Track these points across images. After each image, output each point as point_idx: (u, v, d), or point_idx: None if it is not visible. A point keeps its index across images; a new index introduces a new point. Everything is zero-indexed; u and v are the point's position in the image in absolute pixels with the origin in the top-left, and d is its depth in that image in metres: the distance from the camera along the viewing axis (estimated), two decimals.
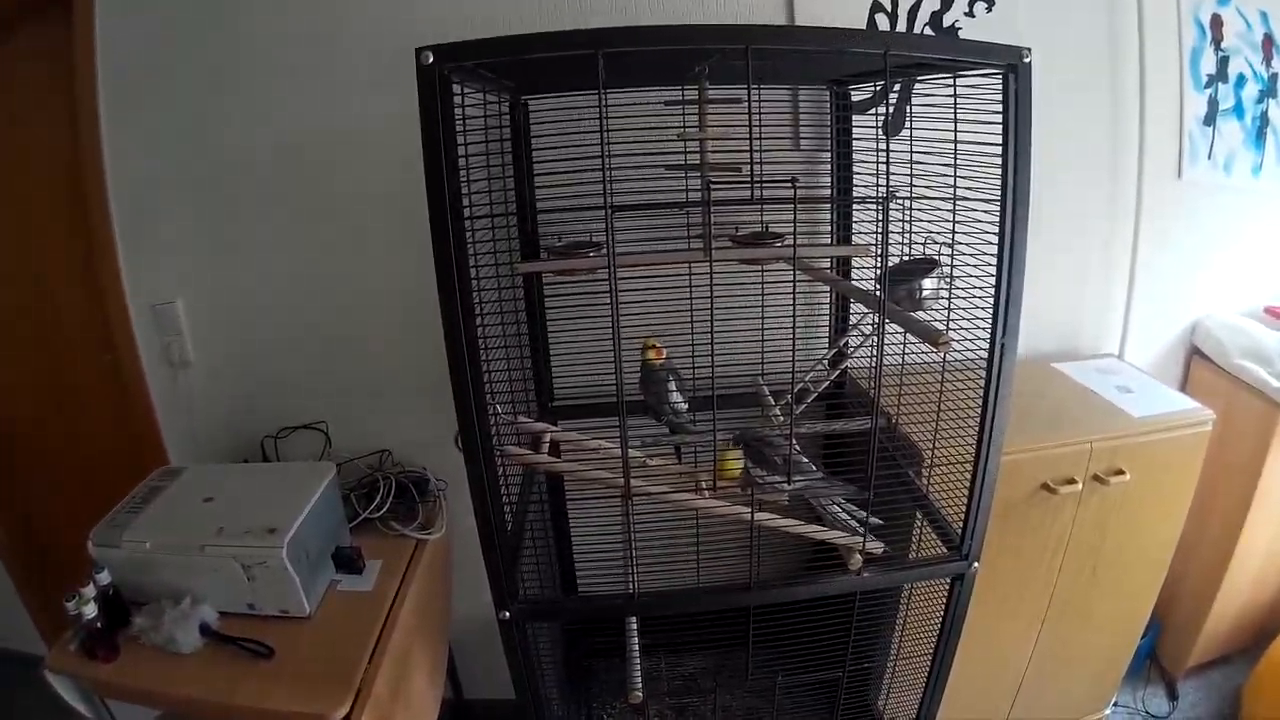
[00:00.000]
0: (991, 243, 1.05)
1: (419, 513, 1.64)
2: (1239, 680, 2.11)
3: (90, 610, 1.25)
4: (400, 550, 1.56)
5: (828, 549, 1.19)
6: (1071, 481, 1.50)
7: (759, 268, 1.41)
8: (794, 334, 0.99)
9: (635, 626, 1.22)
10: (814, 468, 1.20)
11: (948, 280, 1.13)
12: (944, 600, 1.29)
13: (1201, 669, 2.19)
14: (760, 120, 1.43)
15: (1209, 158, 1.87)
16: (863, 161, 1.57)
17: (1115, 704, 2.05)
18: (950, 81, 1.05)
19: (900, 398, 1.31)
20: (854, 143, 1.58)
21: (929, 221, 1.16)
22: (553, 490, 1.77)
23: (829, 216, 1.69)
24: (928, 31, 1.60)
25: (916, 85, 1.43)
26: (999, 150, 1.00)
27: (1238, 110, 1.87)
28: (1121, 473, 1.51)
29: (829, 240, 1.68)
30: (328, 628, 1.36)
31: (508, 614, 1.13)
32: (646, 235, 1.39)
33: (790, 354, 1.04)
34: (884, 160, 0.99)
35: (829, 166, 1.65)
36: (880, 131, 1.13)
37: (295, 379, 1.83)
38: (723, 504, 1.12)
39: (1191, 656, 2.12)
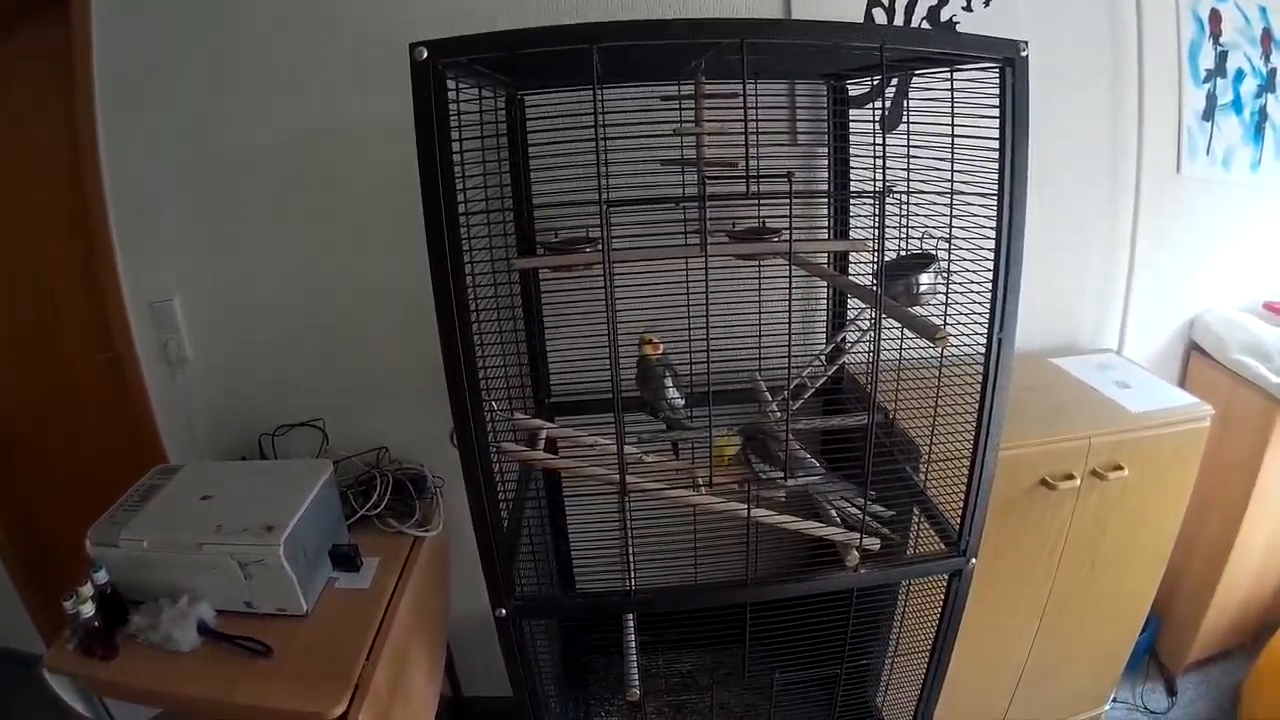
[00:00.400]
0: (989, 238, 1.04)
1: (416, 510, 1.63)
2: (1238, 676, 2.11)
3: (88, 609, 1.25)
4: (398, 547, 1.56)
5: (826, 545, 1.19)
6: (1070, 477, 1.50)
7: (756, 263, 1.41)
8: (790, 329, 0.99)
9: (633, 623, 1.22)
10: (816, 464, 1.20)
11: (945, 275, 1.13)
12: (942, 596, 1.28)
13: (1201, 665, 2.19)
14: (757, 115, 1.44)
15: (1208, 153, 1.87)
16: (860, 156, 1.57)
17: (1114, 700, 2.05)
18: (947, 76, 1.05)
19: (898, 393, 1.31)
20: (851, 138, 1.58)
21: (926, 216, 1.16)
22: (550, 487, 1.77)
23: (826, 212, 1.68)
24: (925, 26, 1.60)
25: (914, 80, 1.43)
26: (996, 145, 1.00)
27: (1236, 105, 1.87)
28: (1120, 468, 1.51)
29: (827, 236, 1.68)
30: (325, 626, 1.35)
31: (504, 611, 1.12)
32: (644, 231, 1.39)
33: (789, 349, 1.04)
34: (881, 155, 0.99)
35: (826, 162, 1.64)
36: (884, 125, 1.13)
37: (293, 376, 1.83)
38: (720, 500, 1.11)
39: (1191, 652, 2.12)
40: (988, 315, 1.06)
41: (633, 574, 1.19)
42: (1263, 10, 1.83)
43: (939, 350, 1.06)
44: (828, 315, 1.76)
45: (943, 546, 1.23)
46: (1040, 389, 1.69)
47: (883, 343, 1.08)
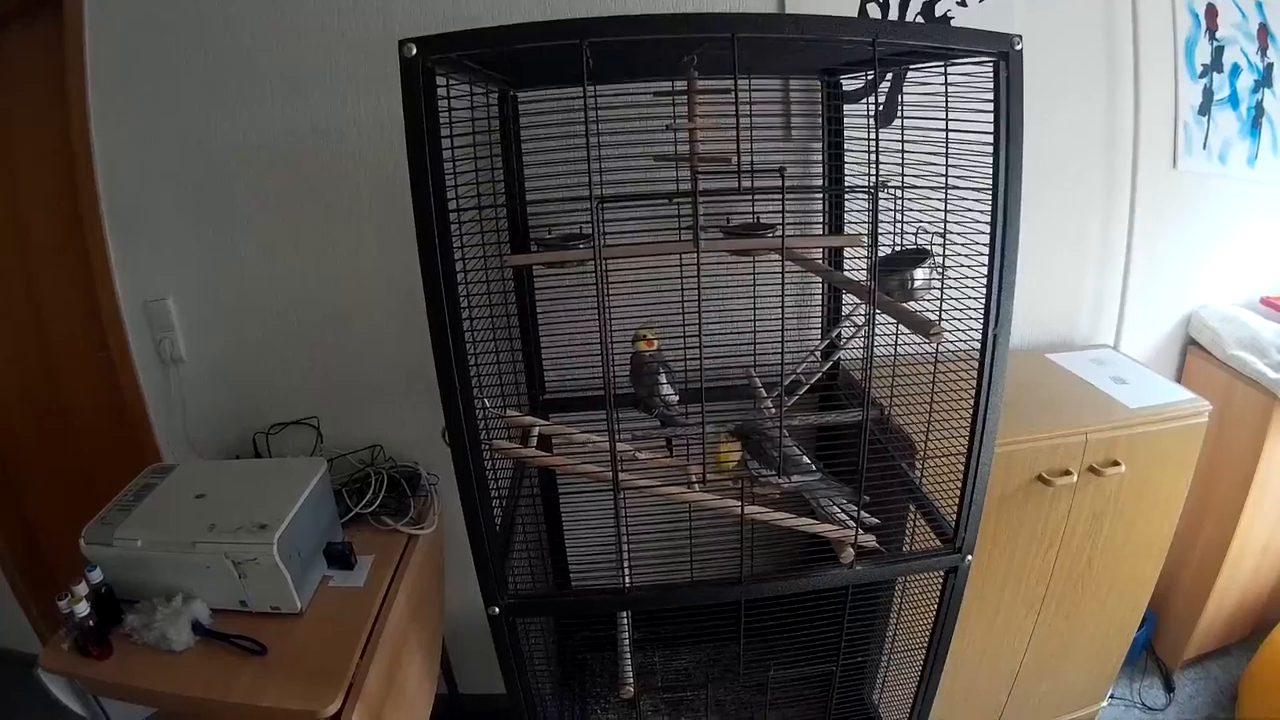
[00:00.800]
0: (984, 233, 1.04)
1: (411, 507, 1.63)
2: (1236, 672, 2.11)
3: (82, 609, 1.24)
4: (392, 545, 1.56)
5: (822, 541, 1.19)
6: (1067, 473, 1.49)
7: (751, 259, 1.40)
8: (783, 325, 0.98)
9: (627, 621, 1.22)
10: (813, 465, 1.19)
11: (940, 271, 1.13)
12: (938, 593, 1.28)
13: (1198, 661, 2.20)
14: (751, 111, 1.43)
15: (1204, 147, 1.87)
16: (854, 151, 1.56)
17: (1112, 696, 2.05)
18: (942, 71, 1.05)
19: (893, 389, 1.31)
20: (846, 133, 1.57)
21: (920, 212, 1.15)
22: (545, 483, 1.76)
23: (821, 207, 1.68)
24: (920, 21, 1.59)
25: (909, 75, 1.42)
26: (991, 140, 1.00)
27: (1233, 100, 1.87)
28: (1117, 464, 1.51)
29: (821, 232, 1.67)
30: (319, 624, 1.35)
31: (497, 609, 1.12)
32: (639, 227, 1.38)
33: (783, 345, 1.04)
34: (877, 152, 0.98)
35: (821, 157, 1.64)
36: (876, 119, 1.12)
37: (287, 375, 1.82)
38: (713, 497, 1.11)
39: (1188, 648, 2.12)
40: (983, 311, 1.06)
41: (627, 571, 1.19)
42: (1259, 5, 1.83)
43: (934, 346, 1.06)
44: (823, 311, 1.75)
45: (939, 543, 1.23)
46: (1036, 385, 1.69)
47: (878, 338, 1.07)
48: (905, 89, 1.32)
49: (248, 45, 1.58)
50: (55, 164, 1.70)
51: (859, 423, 1.08)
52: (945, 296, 1.11)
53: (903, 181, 1.12)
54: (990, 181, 1.00)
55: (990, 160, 1.00)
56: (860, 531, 1.12)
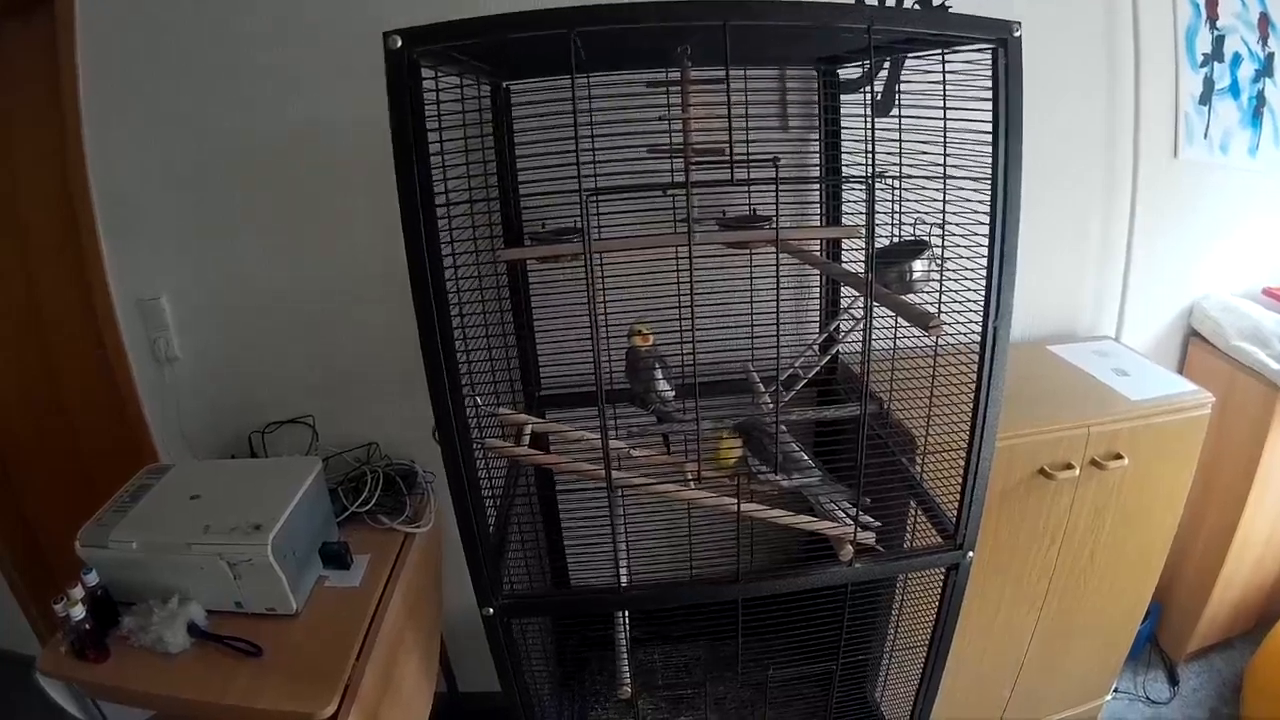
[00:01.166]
0: (984, 224, 1.02)
1: (407, 506, 1.62)
2: (1240, 665, 2.10)
3: (78, 612, 1.24)
4: (389, 544, 1.55)
5: (823, 538, 1.17)
6: (1069, 467, 1.48)
7: (748, 252, 1.39)
8: (778, 318, 0.97)
9: (624, 620, 1.20)
10: (812, 464, 1.18)
11: (938, 262, 1.11)
12: (938, 592, 1.27)
13: (1202, 653, 2.19)
14: (746, 102, 1.41)
15: (1205, 137, 1.85)
16: (852, 142, 1.54)
17: (1115, 690, 2.04)
18: (939, 59, 1.03)
19: (892, 383, 1.29)
20: (843, 124, 1.56)
21: (918, 202, 1.14)
22: (542, 481, 1.75)
23: (818, 199, 1.66)
24: (916, 8, 1.58)
25: (907, 65, 1.40)
26: (990, 129, 0.98)
27: (1234, 90, 1.85)
28: (1120, 457, 1.49)
29: (819, 224, 1.66)
30: (315, 625, 1.34)
31: (491, 610, 1.11)
32: (635, 220, 1.37)
33: (778, 339, 1.02)
34: (873, 141, 0.97)
35: (817, 148, 1.62)
36: (872, 108, 1.11)
37: (282, 373, 1.82)
38: (709, 495, 1.09)
39: (1192, 641, 2.11)
40: (983, 303, 1.04)
41: (623, 570, 1.17)
42: None
43: (933, 339, 1.04)
44: (821, 304, 1.74)
45: (940, 540, 1.21)
46: (1038, 377, 1.67)
47: (877, 331, 1.06)
48: (904, 80, 1.31)
49: (241, 42, 1.56)
50: (53, 164, 1.69)
51: (858, 418, 1.07)
52: (944, 289, 1.10)
53: (900, 171, 1.10)
54: (990, 171, 0.99)
55: (989, 150, 0.98)
56: (859, 530, 1.11)
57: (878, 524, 1.13)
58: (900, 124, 1.10)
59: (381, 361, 1.78)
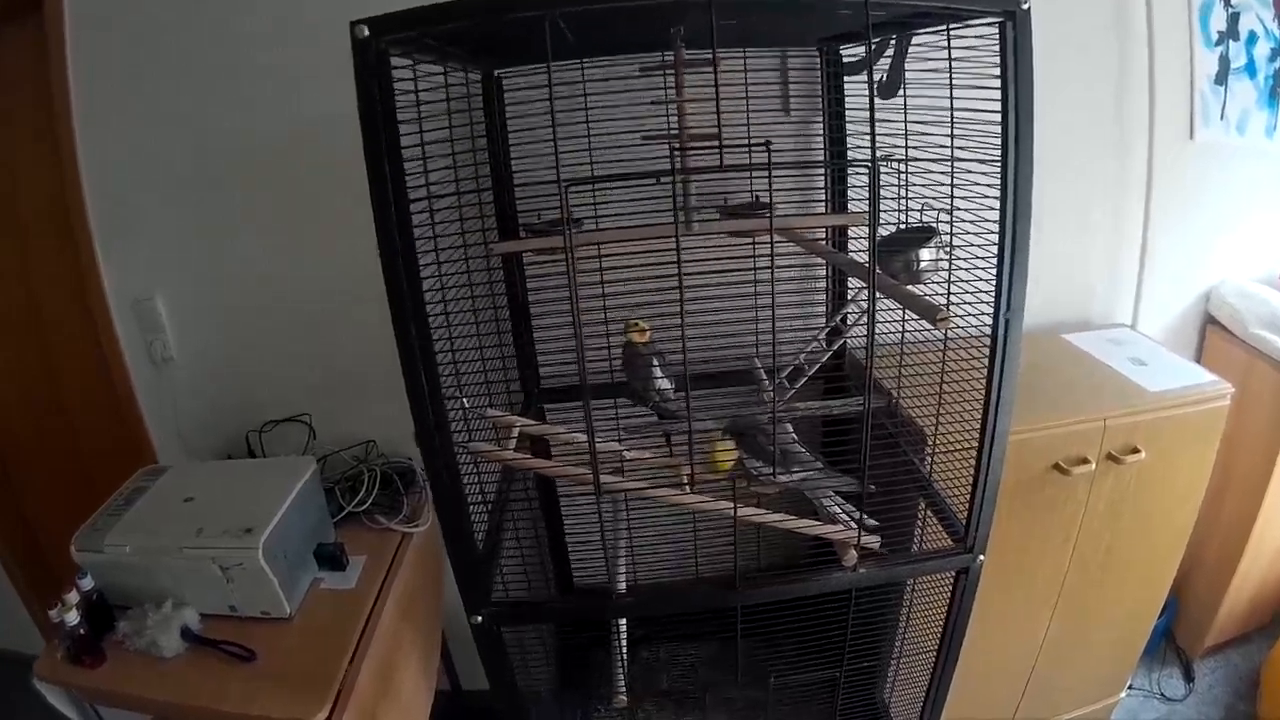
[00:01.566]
0: (994, 209, 0.98)
1: (404, 505, 1.59)
2: (1257, 659, 2.06)
3: (73, 617, 1.23)
4: (386, 544, 1.52)
5: (826, 541, 1.13)
6: (1085, 461, 1.43)
7: (750, 241, 1.34)
8: (774, 309, 0.92)
9: (622, 626, 1.17)
10: (811, 457, 1.14)
11: (948, 250, 1.06)
12: (949, 593, 1.22)
13: (1219, 649, 2.15)
14: (746, 85, 1.37)
15: (1222, 118, 1.80)
16: (856, 125, 1.49)
17: (1130, 687, 2.00)
18: (945, 37, 0.98)
19: (900, 376, 1.25)
20: (847, 107, 1.51)
21: (925, 187, 1.09)
22: (542, 480, 1.72)
23: (823, 185, 1.61)
24: None
25: (914, 47, 1.35)
26: (999, 111, 0.93)
27: (1250, 69, 1.79)
28: (1137, 451, 1.45)
29: (823, 211, 1.61)
30: (310, 628, 1.32)
31: (480, 618, 1.08)
32: (633, 210, 1.32)
33: (786, 331, 0.98)
34: (875, 122, 0.92)
35: (821, 133, 1.57)
36: (872, 89, 1.06)
37: (278, 372, 1.80)
38: (705, 499, 1.05)
39: (1209, 636, 2.07)
40: (994, 292, 1.00)
41: (624, 572, 1.14)
42: None
43: (943, 331, 1.00)
44: (828, 295, 1.69)
45: (949, 542, 1.17)
46: (1052, 368, 1.62)
47: (885, 323, 1.01)
48: (910, 64, 1.26)
49: (233, 43, 1.55)
50: (51, 164, 1.68)
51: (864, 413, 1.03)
52: (953, 278, 1.05)
53: (905, 154, 1.05)
54: (999, 154, 0.94)
55: (999, 132, 0.93)
56: (863, 533, 1.06)
57: (881, 527, 1.09)
58: (905, 106, 1.05)
59: (379, 360, 1.73)
